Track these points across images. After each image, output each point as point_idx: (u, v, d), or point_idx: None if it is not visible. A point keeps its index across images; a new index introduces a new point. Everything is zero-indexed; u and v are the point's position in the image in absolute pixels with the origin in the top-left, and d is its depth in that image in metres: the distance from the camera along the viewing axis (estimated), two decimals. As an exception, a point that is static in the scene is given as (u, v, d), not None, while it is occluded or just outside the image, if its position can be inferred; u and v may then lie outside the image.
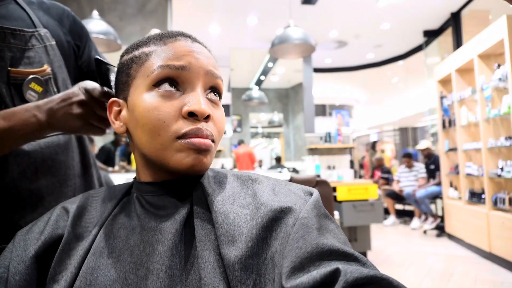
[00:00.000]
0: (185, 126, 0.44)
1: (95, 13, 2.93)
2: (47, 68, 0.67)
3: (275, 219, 0.40)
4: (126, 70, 0.49)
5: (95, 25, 2.78)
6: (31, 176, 0.64)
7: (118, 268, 0.41)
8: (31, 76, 0.63)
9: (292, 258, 0.34)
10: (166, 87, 0.45)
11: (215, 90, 0.49)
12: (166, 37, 0.49)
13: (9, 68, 0.61)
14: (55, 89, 0.69)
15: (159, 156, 0.45)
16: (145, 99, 0.45)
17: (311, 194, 0.45)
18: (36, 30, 0.67)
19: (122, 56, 0.52)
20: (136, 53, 0.49)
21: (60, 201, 0.66)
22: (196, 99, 0.44)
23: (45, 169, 0.67)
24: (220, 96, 0.50)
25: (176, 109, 0.44)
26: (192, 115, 0.44)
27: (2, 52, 0.61)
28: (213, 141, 0.46)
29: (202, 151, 0.44)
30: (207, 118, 0.45)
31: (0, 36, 0.61)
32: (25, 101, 0.62)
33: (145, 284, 0.39)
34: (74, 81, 0.79)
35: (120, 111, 0.51)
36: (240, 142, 6.40)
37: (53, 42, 0.70)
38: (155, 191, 0.48)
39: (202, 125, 0.44)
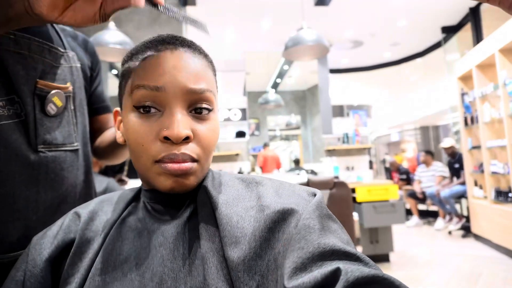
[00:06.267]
0: (161, 151, 0.43)
1: (111, 24, 3.02)
2: (69, 86, 0.71)
3: (278, 221, 0.40)
4: (119, 84, 0.50)
5: (111, 36, 2.83)
6: (31, 188, 0.64)
7: (125, 270, 0.43)
8: (55, 90, 0.67)
9: (294, 259, 0.35)
10: (145, 108, 0.44)
11: (201, 105, 0.46)
12: (148, 48, 0.46)
13: (37, 79, 0.65)
14: (72, 107, 0.73)
15: (144, 175, 0.47)
16: (129, 119, 0.46)
17: (315, 195, 0.45)
18: (66, 51, 0.74)
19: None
20: (123, 68, 0.49)
21: (56, 217, 0.65)
22: (172, 123, 0.43)
23: (47, 182, 0.66)
24: (209, 109, 0.47)
25: (155, 132, 0.44)
26: (168, 139, 0.43)
27: (36, 63, 0.65)
28: (195, 160, 0.45)
29: (180, 175, 0.44)
30: (187, 139, 0.43)
31: (39, 49, 0.66)
32: (44, 112, 0.66)
33: (151, 286, 0.40)
34: (87, 105, 0.85)
35: (121, 121, 0.51)
36: (265, 145, 6.40)
37: (78, 65, 0.77)
38: (157, 197, 0.49)
39: (179, 149, 0.43)
